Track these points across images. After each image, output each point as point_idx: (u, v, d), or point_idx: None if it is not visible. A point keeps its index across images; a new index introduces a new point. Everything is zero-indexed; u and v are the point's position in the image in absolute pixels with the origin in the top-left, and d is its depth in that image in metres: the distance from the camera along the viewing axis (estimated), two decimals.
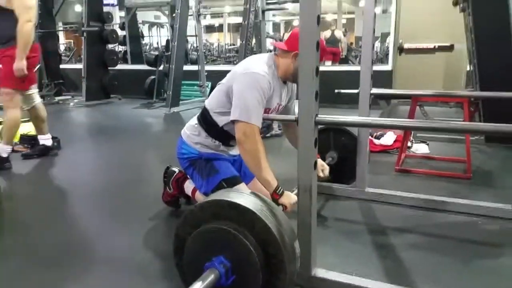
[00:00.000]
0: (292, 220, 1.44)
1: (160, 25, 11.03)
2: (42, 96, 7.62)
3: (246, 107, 1.84)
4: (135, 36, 9.26)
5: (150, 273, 1.82)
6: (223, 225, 1.31)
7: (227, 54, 13.56)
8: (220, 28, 21.91)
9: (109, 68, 7.76)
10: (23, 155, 3.80)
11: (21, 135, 4.15)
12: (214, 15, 21.06)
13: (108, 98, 7.79)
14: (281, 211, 1.42)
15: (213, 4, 18.88)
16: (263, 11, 6.32)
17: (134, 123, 5.84)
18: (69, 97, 8.06)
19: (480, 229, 2.22)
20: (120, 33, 8.85)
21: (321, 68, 1.45)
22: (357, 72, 2.50)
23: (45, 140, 3.84)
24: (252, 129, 1.83)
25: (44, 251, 2.06)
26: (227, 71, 2.08)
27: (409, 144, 3.76)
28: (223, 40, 19.76)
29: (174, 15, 6.65)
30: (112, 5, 9.85)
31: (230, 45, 16.91)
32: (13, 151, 3.94)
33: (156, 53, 7.69)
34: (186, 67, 7.12)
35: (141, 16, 10.34)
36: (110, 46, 8.27)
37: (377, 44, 12.42)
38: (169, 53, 6.77)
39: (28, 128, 4.32)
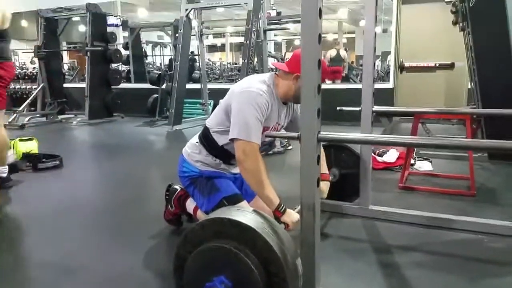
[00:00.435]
0: (295, 239, 1.42)
1: (163, 45, 11.16)
2: (45, 115, 7.75)
3: (245, 125, 1.84)
4: (139, 56, 9.36)
5: None
6: (224, 243, 1.30)
7: (229, 73, 13.67)
8: (222, 48, 22.15)
9: (112, 87, 7.82)
10: None
11: (23, 153, 4.16)
12: (217, 35, 21.33)
13: (111, 116, 7.82)
14: (283, 229, 1.41)
15: (216, 25, 19.14)
16: (264, 31, 6.39)
17: (137, 141, 5.86)
18: (72, 115, 8.11)
19: (485, 247, 2.19)
20: (124, 52, 8.95)
21: (323, 86, 1.45)
22: (359, 90, 2.50)
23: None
24: (252, 147, 1.83)
25: (43, 271, 2.04)
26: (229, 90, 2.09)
27: (412, 161, 3.74)
28: (225, 59, 19.96)
29: (177, 35, 6.74)
30: (116, 25, 9.95)
31: (232, 64, 17.08)
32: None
33: (159, 72, 7.76)
34: (189, 86, 7.17)
35: (145, 36, 10.47)
36: (113, 65, 8.35)
37: (378, 62, 12.52)
38: (172, 72, 6.83)
39: (30, 146, 4.33)
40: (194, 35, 6.80)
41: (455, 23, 4.03)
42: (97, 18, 7.47)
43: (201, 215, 2.21)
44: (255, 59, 6.25)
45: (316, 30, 1.36)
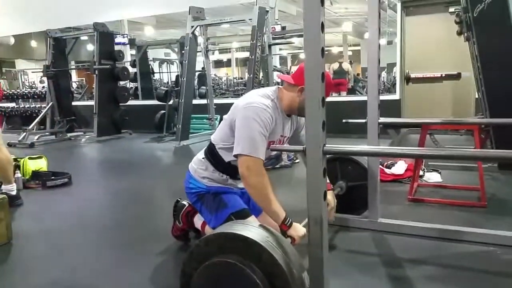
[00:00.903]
0: (302, 252, 1.41)
1: (170, 62, 11.28)
2: (54, 133, 7.82)
3: (249, 141, 1.83)
4: (146, 73, 9.47)
5: None
6: (229, 258, 1.28)
7: (236, 88, 13.75)
8: (228, 63, 22.32)
9: (120, 104, 7.90)
10: None
11: (33, 171, 4.20)
12: (222, 51, 21.51)
13: (119, 133, 7.88)
14: (288, 243, 1.40)
15: (221, 41, 19.32)
16: (269, 46, 6.44)
17: (145, 157, 5.88)
18: (81, 133, 8.19)
19: (498, 259, 2.15)
20: (131, 70, 9.06)
21: (329, 99, 1.45)
22: (364, 102, 2.50)
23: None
24: (256, 162, 1.82)
25: (52, 287, 2.04)
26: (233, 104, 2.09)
27: (421, 173, 3.71)
28: (231, 74, 20.10)
29: (183, 51, 6.81)
30: (124, 43, 10.11)
31: (238, 78, 17.18)
32: (24, 187, 4.00)
33: (166, 88, 7.83)
34: (196, 101, 7.22)
35: (152, 53, 10.60)
36: (121, 83, 8.45)
37: (384, 74, 12.53)
38: (179, 88, 6.89)
39: (40, 164, 4.37)
40: (200, 51, 6.87)
41: (459, 33, 4.03)
42: (105, 37, 7.59)
43: (209, 231, 2.19)
44: (261, 74, 6.29)
45: (318, 44, 1.36)
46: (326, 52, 1.41)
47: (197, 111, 7.27)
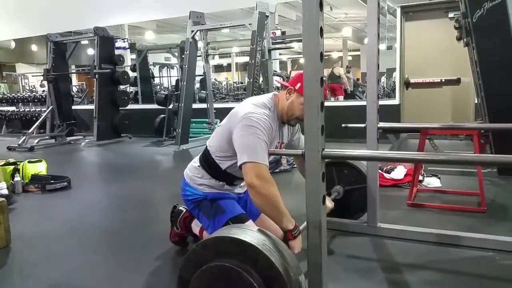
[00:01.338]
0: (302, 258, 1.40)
1: (170, 66, 11.30)
2: (54, 137, 7.83)
3: (252, 148, 1.81)
4: (146, 77, 9.48)
5: None
6: (225, 262, 1.28)
7: (236, 92, 13.76)
8: (228, 68, 22.37)
9: (120, 108, 7.90)
10: None
11: (32, 175, 4.19)
12: (222, 55, 21.57)
13: (119, 137, 7.89)
14: (285, 246, 1.40)
15: (221, 45, 19.38)
16: (269, 50, 6.45)
17: (144, 161, 5.88)
18: (81, 137, 8.19)
19: (498, 265, 2.14)
20: (132, 74, 9.07)
21: (329, 104, 1.46)
22: (364, 107, 2.50)
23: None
24: (263, 168, 1.79)
25: None
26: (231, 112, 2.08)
27: (420, 178, 3.71)
28: (231, 78, 20.14)
29: (183, 56, 6.82)
30: (124, 48, 10.12)
31: (238, 83, 17.20)
32: (23, 191, 4.00)
33: (166, 92, 7.84)
34: (195, 105, 7.22)
35: (152, 58, 10.61)
36: (121, 87, 8.47)
37: (383, 79, 12.55)
38: (179, 92, 6.89)
39: (39, 168, 4.37)
40: (200, 56, 6.88)
41: (459, 38, 4.03)
42: (105, 41, 7.61)
43: (207, 237, 2.19)
44: (261, 78, 6.29)
45: (317, 49, 1.36)
46: (326, 57, 1.42)
47: (197, 115, 7.28)
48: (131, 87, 9.76)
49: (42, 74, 8.15)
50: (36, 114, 8.91)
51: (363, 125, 2.51)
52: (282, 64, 20.09)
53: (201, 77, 9.38)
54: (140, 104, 9.05)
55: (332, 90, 10.06)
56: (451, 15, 5.70)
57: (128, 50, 10.35)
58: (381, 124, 2.51)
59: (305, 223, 1.50)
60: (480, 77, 3.79)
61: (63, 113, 8.03)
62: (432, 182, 3.72)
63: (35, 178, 4.16)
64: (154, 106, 7.93)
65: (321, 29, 1.37)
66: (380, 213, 2.59)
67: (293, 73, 12.36)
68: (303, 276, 1.33)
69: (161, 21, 11.42)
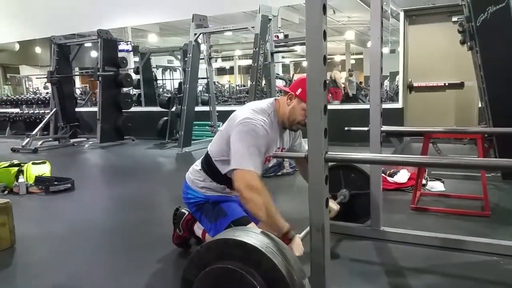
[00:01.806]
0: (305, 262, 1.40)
1: (173, 69, 11.33)
2: (57, 139, 7.86)
3: (244, 155, 1.81)
4: (149, 80, 9.51)
5: None
6: (229, 264, 1.28)
7: (238, 95, 13.78)
8: (231, 70, 22.40)
9: (123, 110, 7.92)
10: None
11: (36, 176, 4.20)
12: (225, 58, 21.60)
13: (122, 139, 7.90)
14: (288, 249, 1.39)
15: (224, 48, 19.41)
16: (272, 53, 6.46)
17: (147, 163, 5.89)
18: (84, 139, 8.22)
19: (501, 269, 2.13)
20: (135, 77, 9.10)
21: (331, 107, 1.46)
22: (367, 111, 2.50)
23: None
24: (252, 175, 1.78)
25: None
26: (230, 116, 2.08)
27: (424, 181, 3.69)
28: (234, 81, 20.16)
29: (186, 59, 6.84)
30: (127, 50, 10.16)
31: (241, 86, 17.22)
32: (27, 192, 4.02)
33: (169, 95, 7.86)
34: (198, 108, 7.23)
35: (155, 60, 10.65)
36: (124, 89, 8.49)
37: (387, 83, 12.55)
38: (181, 95, 6.91)
39: (43, 170, 4.38)
40: (203, 58, 6.90)
41: (462, 42, 4.03)
42: (109, 44, 7.65)
43: (209, 239, 2.19)
44: (263, 81, 6.30)
45: (321, 52, 1.37)
46: (329, 61, 1.42)
47: (200, 118, 7.29)
48: (134, 89, 9.79)
49: (46, 76, 8.18)
50: (40, 116, 8.94)
51: (366, 129, 2.51)
52: (285, 67, 20.12)
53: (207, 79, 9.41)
54: (143, 107, 9.08)
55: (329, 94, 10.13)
56: (454, 19, 5.68)
57: (131, 52, 10.38)
58: (384, 128, 2.51)
59: (308, 228, 1.50)
60: (484, 81, 3.79)
61: (67, 115, 8.05)
62: (436, 186, 3.71)
63: (39, 180, 4.18)
64: (157, 108, 7.96)
65: (325, 33, 1.37)
66: (383, 216, 2.58)
67: (296, 76, 12.38)
68: (307, 280, 1.32)
69: (164, 24, 11.45)
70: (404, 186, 3.74)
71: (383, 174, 3.63)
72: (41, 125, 7.82)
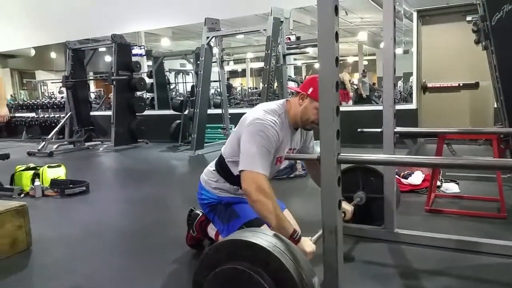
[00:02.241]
0: (318, 265, 1.40)
1: (186, 72, 11.40)
2: (72, 142, 7.97)
3: (252, 157, 1.82)
4: (162, 83, 9.59)
5: None
6: (237, 265, 1.29)
7: (250, 97, 13.81)
8: (243, 73, 22.47)
9: (137, 114, 8.00)
10: None
11: (51, 179, 4.27)
12: (237, 61, 21.67)
13: (135, 142, 7.98)
14: (297, 249, 1.39)
15: (236, 51, 19.47)
16: (284, 56, 6.46)
17: (160, 166, 5.93)
18: (99, 142, 8.31)
19: None
20: (148, 80, 9.19)
21: (344, 109, 1.46)
22: (381, 112, 2.49)
23: None
24: (259, 177, 1.79)
25: None
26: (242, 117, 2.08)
27: (438, 183, 3.65)
28: (246, 84, 20.21)
29: (198, 62, 6.89)
30: (140, 55, 10.27)
31: (253, 88, 17.26)
32: (43, 195, 4.08)
33: (182, 98, 7.92)
34: (210, 111, 7.27)
35: (168, 64, 10.73)
36: (138, 93, 8.58)
37: (400, 83, 12.44)
38: (194, 98, 6.96)
39: (58, 173, 4.45)
40: (215, 61, 6.93)
41: (477, 42, 3.98)
42: (122, 48, 7.74)
43: None
44: (275, 84, 6.30)
45: (333, 53, 1.37)
46: (341, 62, 1.42)
47: (212, 120, 7.32)
48: (147, 93, 9.88)
49: (61, 81, 8.31)
50: (55, 120, 9.10)
51: (379, 130, 2.50)
52: (297, 69, 20.11)
53: (227, 84, 9.46)
54: (156, 110, 9.16)
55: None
56: (469, 18, 5.61)
57: (145, 57, 10.49)
58: (398, 129, 2.49)
59: (320, 231, 1.50)
60: (499, 80, 3.73)
61: (82, 119, 8.17)
62: (451, 187, 3.67)
63: (55, 183, 4.24)
64: (170, 112, 8.02)
65: (337, 34, 1.37)
66: (397, 218, 2.56)
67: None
68: (316, 279, 1.32)
69: (177, 28, 11.55)
70: (418, 187, 3.70)
71: (397, 176, 3.60)
72: (56, 129, 7.95)
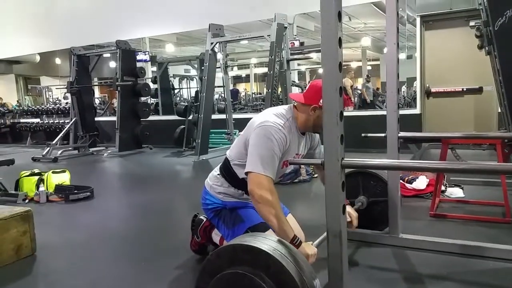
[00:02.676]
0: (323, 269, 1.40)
1: (190, 78, 11.46)
2: (77, 148, 8.00)
3: (259, 159, 1.83)
4: (166, 89, 9.63)
5: None
6: (238, 269, 1.30)
7: (254, 103, 13.85)
8: (247, 78, 22.54)
9: (141, 119, 8.04)
10: None
11: (56, 185, 4.29)
12: (241, 67, 21.75)
13: (140, 148, 8.00)
14: (297, 251, 1.40)
15: (240, 57, 19.56)
16: (288, 61, 6.48)
17: (164, 171, 5.95)
18: (103, 148, 8.35)
19: None
20: (152, 86, 9.24)
21: (348, 114, 1.46)
22: (384, 117, 2.49)
23: None
24: (265, 180, 1.80)
25: None
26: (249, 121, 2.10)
27: (443, 188, 3.64)
28: (249, 89, 20.27)
29: (202, 68, 6.92)
30: (145, 61, 10.34)
31: (257, 94, 17.30)
32: (48, 201, 4.09)
33: (186, 104, 7.95)
34: (214, 116, 7.29)
35: (172, 70, 10.79)
36: (142, 98, 8.62)
37: (404, 88, 12.45)
38: (198, 103, 6.98)
39: (63, 178, 4.47)
40: (219, 67, 6.97)
41: (480, 47, 3.98)
42: (127, 54, 7.78)
43: None
44: (279, 89, 6.32)
45: (336, 59, 1.38)
46: (345, 67, 1.43)
47: (216, 126, 7.34)
48: (152, 98, 9.92)
49: (65, 86, 8.36)
50: (60, 126, 9.14)
51: (383, 135, 2.50)
52: (301, 75, 20.15)
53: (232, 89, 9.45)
54: (161, 116, 9.20)
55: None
56: (472, 23, 5.61)
57: (149, 62, 10.56)
58: (402, 134, 2.49)
59: (323, 235, 1.50)
60: (503, 85, 3.72)
61: (86, 125, 8.20)
62: (455, 192, 3.66)
63: (59, 188, 4.26)
64: (174, 117, 8.04)
65: (340, 40, 1.38)
66: (402, 223, 2.56)
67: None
68: (318, 281, 1.33)
69: (181, 34, 11.62)
70: (423, 192, 3.69)
71: (401, 181, 3.59)
72: (61, 134, 7.98)
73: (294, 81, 10.90)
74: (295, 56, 7.78)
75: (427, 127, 6.21)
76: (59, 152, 7.59)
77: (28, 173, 4.44)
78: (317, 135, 2.25)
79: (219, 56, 6.86)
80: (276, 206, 1.78)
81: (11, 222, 2.58)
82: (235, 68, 21.25)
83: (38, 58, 14.23)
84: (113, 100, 12.98)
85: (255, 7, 7.54)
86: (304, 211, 3.47)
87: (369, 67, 20.34)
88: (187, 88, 11.22)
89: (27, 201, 4.14)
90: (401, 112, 2.50)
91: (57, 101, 13.69)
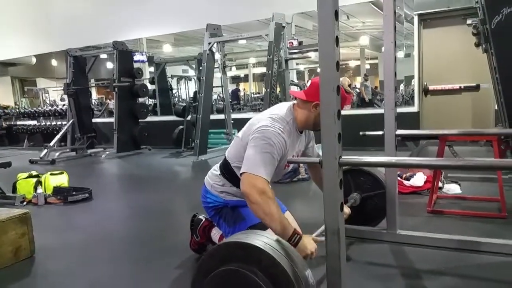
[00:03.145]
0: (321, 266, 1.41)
1: (188, 78, 11.45)
2: (75, 149, 8.00)
3: (256, 161, 1.83)
4: (164, 89, 9.62)
5: None
6: (231, 266, 1.32)
7: (253, 102, 13.85)
8: (245, 78, 22.52)
9: (139, 120, 8.04)
10: None
11: (54, 187, 4.28)
12: (240, 66, 21.72)
13: (138, 149, 8.01)
14: (290, 245, 1.42)
15: (238, 56, 19.52)
16: (286, 60, 6.49)
17: (163, 172, 5.95)
18: (101, 149, 8.34)
19: None
20: (150, 87, 9.23)
21: (346, 112, 1.48)
22: (383, 115, 2.50)
23: None
24: (260, 181, 1.80)
25: None
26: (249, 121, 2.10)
27: (440, 184, 3.67)
28: (248, 89, 20.26)
29: (200, 68, 6.92)
30: (142, 61, 10.32)
31: (256, 93, 17.30)
32: (46, 202, 4.10)
33: (184, 104, 7.95)
34: (213, 116, 7.30)
35: (170, 70, 10.77)
36: (140, 99, 8.61)
37: (402, 87, 12.46)
38: (196, 103, 6.98)
39: (61, 180, 4.47)
40: (217, 67, 6.97)
41: (477, 44, 4.00)
42: (124, 55, 7.77)
43: None
44: (278, 88, 6.33)
45: (333, 58, 1.39)
46: (343, 66, 1.44)
47: (215, 126, 7.35)
48: (150, 99, 9.91)
49: (62, 88, 8.35)
50: (57, 128, 9.13)
51: (381, 133, 2.51)
52: (299, 74, 20.15)
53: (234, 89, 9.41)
54: (159, 116, 9.20)
55: None
56: (469, 21, 5.64)
57: (147, 63, 10.54)
58: (400, 131, 2.51)
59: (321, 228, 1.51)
60: (500, 83, 3.74)
61: (84, 126, 8.20)
62: (452, 188, 3.68)
63: (57, 190, 4.25)
64: (173, 117, 8.05)
65: (337, 38, 1.39)
66: (399, 220, 2.57)
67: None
68: (309, 271, 1.35)
69: (178, 34, 11.59)
70: (420, 189, 3.71)
71: (399, 178, 3.61)
72: (58, 136, 7.96)
73: (293, 81, 10.91)
74: (294, 56, 7.78)
75: (425, 124, 6.24)
76: (57, 154, 7.58)
77: (25, 175, 4.44)
78: (312, 132, 2.26)
79: (217, 56, 6.86)
80: (272, 205, 1.77)
81: (9, 224, 2.58)
82: (234, 68, 21.22)
83: (34, 60, 14.18)
84: (107, 101, 12.99)
85: (253, 6, 7.55)
86: (303, 210, 3.48)
87: (368, 66, 20.34)
88: (185, 88, 11.22)
89: (25, 203, 4.14)
90: (399, 110, 2.52)
91: (54, 103, 13.67)
